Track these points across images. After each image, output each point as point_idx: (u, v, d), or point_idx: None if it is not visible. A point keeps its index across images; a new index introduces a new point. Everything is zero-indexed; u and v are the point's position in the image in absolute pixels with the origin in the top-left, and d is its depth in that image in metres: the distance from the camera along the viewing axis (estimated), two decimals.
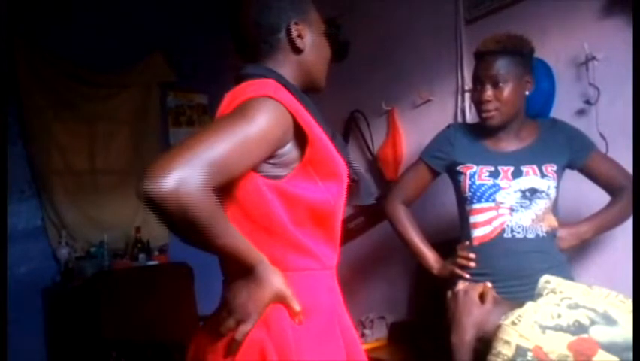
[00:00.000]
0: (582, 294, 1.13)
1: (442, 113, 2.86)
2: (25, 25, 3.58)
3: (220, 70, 1.26)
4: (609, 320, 1.05)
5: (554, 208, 1.92)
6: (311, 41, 1.29)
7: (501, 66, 1.82)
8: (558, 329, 1.05)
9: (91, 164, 3.94)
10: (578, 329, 1.04)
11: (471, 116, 2.70)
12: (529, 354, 1.05)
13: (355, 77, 3.38)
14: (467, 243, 1.94)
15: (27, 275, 3.54)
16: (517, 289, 1.75)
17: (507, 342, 1.08)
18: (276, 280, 1.11)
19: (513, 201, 1.86)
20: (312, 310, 1.15)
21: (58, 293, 3.60)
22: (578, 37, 2.28)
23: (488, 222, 1.89)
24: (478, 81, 1.88)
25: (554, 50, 2.35)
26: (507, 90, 1.83)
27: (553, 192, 1.88)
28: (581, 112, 2.29)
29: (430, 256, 2.07)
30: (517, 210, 1.86)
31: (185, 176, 0.94)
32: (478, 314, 1.31)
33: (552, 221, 1.90)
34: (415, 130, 3.00)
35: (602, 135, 2.16)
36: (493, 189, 1.88)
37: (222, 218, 1.03)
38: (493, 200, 1.88)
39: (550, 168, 1.88)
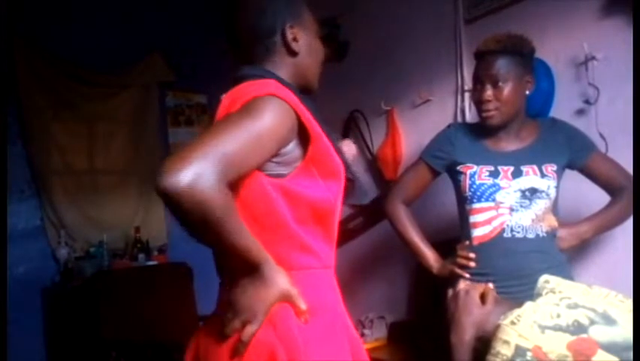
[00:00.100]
0: (581, 294, 1.13)
1: (441, 113, 2.86)
2: (25, 25, 3.58)
3: (219, 70, 1.26)
4: (609, 320, 1.05)
5: (554, 208, 1.92)
6: (306, 44, 1.31)
7: (501, 66, 1.82)
8: (557, 328, 1.05)
9: (90, 164, 3.94)
10: (578, 328, 1.04)
11: (470, 116, 2.70)
12: (529, 354, 1.04)
13: (355, 76, 3.38)
14: (467, 242, 1.94)
15: (26, 275, 3.54)
16: (517, 289, 1.75)
17: (506, 342, 1.08)
18: (281, 280, 1.11)
19: (513, 201, 1.86)
20: (317, 309, 1.15)
21: (57, 293, 3.60)
22: (578, 37, 2.28)
23: (488, 221, 1.89)
24: (478, 81, 1.88)
25: (554, 49, 2.35)
26: (507, 90, 1.83)
27: (553, 192, 1.87)
28: (580, 112, 2.29)
29: (430, 256, 2.07)
30: (517, 210, 1.86)
31: (199, 172, 0.95)
32: (479, 314, 1.31)
33: (552, 221, 1.90)
34: (415, 130, 3.00)
35: (601, 135, 2.16)
36: (493, 188, 1.88)
37: (235, 215, 1.03)
38: (493, 200, 1.88)
39: (551, 168, 1.88)
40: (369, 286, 3.27)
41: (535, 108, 2.14)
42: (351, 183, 1.29)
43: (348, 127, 3.42)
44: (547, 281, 1.19)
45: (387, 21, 3.18)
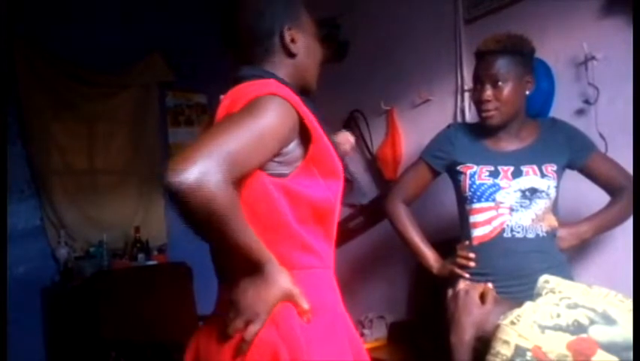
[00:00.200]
0: (581, 294, 1.13)
1: (441, 113, 2.86)
2: (25, 25, 3.58)
3: (219, 70, 1.26)
4: (608, 320, 1.05)
5: (554, 208, 1.92)
6: (304, 45, 1.31)
7: (501, 66, 1.82)
8: (557, 328, 1.05)
9: (90, 164, 3.94)
10: (577, 328, 1.04)
11: (470, 116, 2.71)
12: (529, 354, 1.04)
13: (355, 76, 3.38)
14: (467, 242, 1.94)
15: (26, 275, 3.54)
16: (517, 288, 1.75)
17: (506, 342, 1.08)
18: (283, 279, 1.11)
19: (513, 201, 1.86)
20: (319, 309, 1.15)
21: (57, 293, 3.60)
22: (577, 37, 2.28)
23: (488, 221, 1.89)
24: (478, 81, 1.88)
25: (553, 49, 2.35)
26: (507, 90, 1.83)
27: (553, 192, 1.88)
28: (580, 112, 2.29)
29: (430, 256, 2.07)
30: (517, 210, 1.86)
31: (205, 170, 0.95)
32: (478, 314, 1.30)
33: (552, 221, 1.90)
34: (415, 130, 3.00)
35: (601, 135, 2.16)
36: (493, 188, 1.88)
37: (240, 213, 1.03)
38: (493, 200, 1.88)
39: (551, 168, 1.88)
40: (369, 286, 3.28)
41: (535, 108, 2.14)
42: (349, 183, 1.29)
43: (348, 127, 3.41)
44: (547, 281, 1.19)
45: (387, 21, 3.18)
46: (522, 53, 1.85)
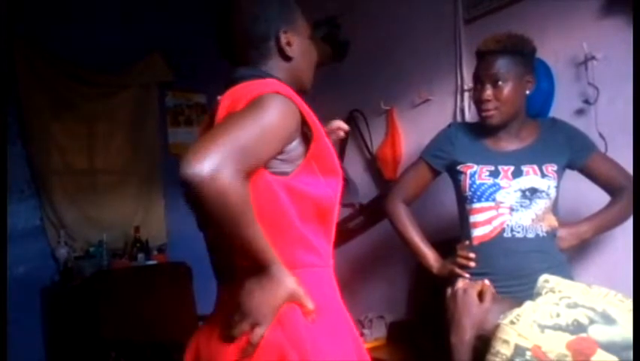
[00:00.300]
0: (581, 293, 1.13)
1: (441, 113, 2.86)
2: (25, 25, 3.58)
3: (218, 70, 1.26)
4: (608, 320, 1.05)
5: (554, 208, 1.92)
6: (299, 48, 1.32)
7: (501, 65, 1.82)
8: (557, 328, 1.05)
9: (90, 164, 3.94)
10: (577, 328, 1.04)
11: (470, 116, 2.71)
12: (528, 353, 1.04)
13: (355, 76, 3.38)
14: (467, 242, 1.94)
15: (26, 275, 3.54)
16: (517, 288, 1.75)
17: (506, 341, 1.08)
18: (289, 280, 1.11)
19: (513, 201, 1.86)
20: (322, 308, 1.16)
21: (57, 293, 3.60)
22: (577, 37, 2.28)
23: (488, 221, 1.89)
24: (479, 80, 1.88)
25: (553, 49, 2.35)
26: (507, 89, 1.83)
27: (553, 192, 1.88)
28: (580, 112, 2.29)
29: (430, 256, 2.06)
30: (517, 210, 1.86)
31: (221, 162, 0.96)
32: (477, 313, 1.30)
33: (552, 221, 1.90)
34: (414, 130, 3.00)
35: (601, 135, 2.16)
36: (494, 188, 1.88)
37: (251, 208, 1.04)
38: (493, 199, 1.88)
39: (551, 168, 1.88)
40: (369, 285, 3.28)
41: (535, 108, 2.14)
42: (345, 181, 1.30)
43: (348, 127, 3.42)
44: (547, 281, 1.19)
45: (387, 21, 3.18)
46: (522, 52, 1.85)
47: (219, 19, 1.32)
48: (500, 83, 1.83)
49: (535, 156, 1.89)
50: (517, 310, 1.11)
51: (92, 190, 3.91)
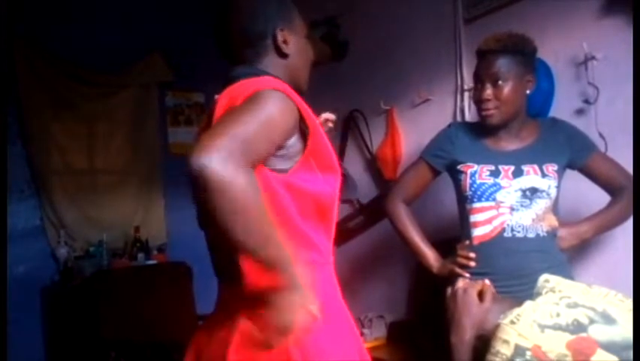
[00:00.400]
0: (581, 293, 1.13)
1: (441, 113, 2.86)
2: (25, 25, 3.58)
3: (218, 70, 1.26)
4: (608, 319, 1.05)
5: (555, 208, 1.91)
6: (296, 46, 1.33)
7: (501, 65, 1.82)
8: (557, 328, 1.05)
9: (90, 163, 3.94)
10: (577, 327, 1.04)
11: (470, 116, 2.71)
12: (528, 353, 1.04)
13: (354, 76, 3.38)
14: (467, 242, 1.94)
15: (26, 275, 3.54)
16: (517, 288, 1.75)
17: (506, 341, 1.08)
18: (304, 281, 1.08)
19: (513, 201, 1.86)
20: (323, 306, 1.15)
21: (57, 293, 3.60)
22: (577, 37, 2.28)
23: (488, 221, 1.89)
24: (479, 80, 1.88)
25: (553, 49, 2.35)
26: (507, 89, 1.83)
27: (553, 192, 1.87)
28: (580, 111, 2.29)
29: (430, 255, 2.06)
30: (518, 210, 1.86)
31: (226, 154, 0.96)
32: (477, 313, 1.30)
33: (552, 221, 1.90)
34: (414, 129, 3.00)
35: (601, 135, 2.16)
36: (494, 188, 1.88)
37: (262, 199, 1.02)
38: (494, 199, 1.88)
39: (551, 168, 1.88)
40: (369, 285, 3.28)
41: (535, 108, 2.14)
42: (344, 178, 1.30)
43: (348, 126, 3.42)
44: (547, 280, 1.19)
45: (387, 21, 3.18)
46: (523, 52, 1.85)
47: (217, 17, 1.33)
48: (500, 82, 1.83)
49: (536, 155, 1.89)
50: (517, 310, 1.11)
51: (92, 190, 3.91)
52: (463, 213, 1.98)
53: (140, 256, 3.72)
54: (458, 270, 1.92)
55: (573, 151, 1.92)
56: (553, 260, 1.86)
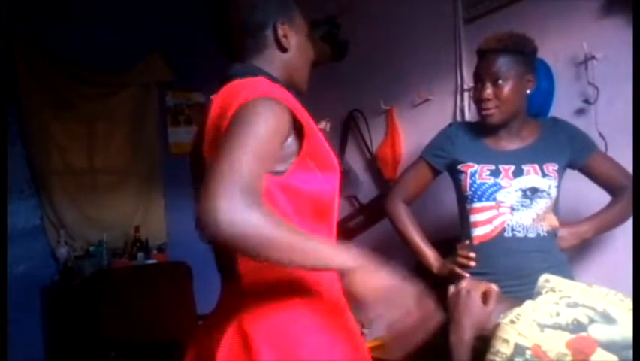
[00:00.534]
0: (581, 293, 1.13)
1: (441, 113, 2.86)
2: (25, 25, 3.58)
3: (218, 69, 1.26)
4: (608, 319, 1.05)
5: (555, 208, 1.91)
6: (296, 43, 1.31)
7: (502, 64, 1.82)
8: (557, 327, 1.05)
9: (90, 163, 3.94)
10: (577, 327, 1.04)
11: (470, 116, 2.70)
12: (528, 353, 1.05)
13: (354, 76, 3.38)
14: (467, 242, 1.94)
15: (26, 274, 3.54)
16: (518, 288, 1.74)
17: (506, 341, 1.08)
18: (353, 255, 1.11)
19: (514, 201, 1.86)
20: (324, 308, 1.16)
21: (57, 292, 3.60)
22: (577, 37, 2.28)
23: (489, 221, 1.89)
24: (479, 79, 1.88)
25: (553, 49, 2.35)
26: (507, 88, 1.82)
27: (554, 192, 1.87)
28: (580, 111, 2.29)
29: (430, 255, 2.06)
30: (518, 210, 1.86)
31: (231, 206, 0.95)
32: (478, 315, 1.30)
33: (553, 220, 1.90)
34: (414, 129, 3.00)
35: (601, 135, 2.16)
36: (494, 188, 1.88)
37: (288, 225, 1.03)
38: (494, 199, 1.88)
39: (552, 168, 1.88)
40: None
41: (535, 108, 2.14)
42: (344, 174, 1.29)
43: (348, 126, 3.42)
44: (548, 280, 1.19)
45: (387, 21, 3.18)
46: (523, 52, 1.85)
47: (217, 11, 1.32)
48: (501, 82, 1.82)
49: (536, 155, 1.89)
50: (517, 310, 1.11)
51: (92, 190, 3.91)
52: (464, 213, 1.98)
53: (140, 255, 3.72)
54: (458, 270, 1.92)
55: (574, 151, 1.92)
56: (554, 260, 1.86)
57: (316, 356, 1.09)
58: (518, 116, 1.90)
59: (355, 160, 3.36)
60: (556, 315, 1.07)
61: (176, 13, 4.09)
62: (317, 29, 3.35)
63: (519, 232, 1.86)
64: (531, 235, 1.86)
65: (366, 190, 3.29)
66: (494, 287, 1.37)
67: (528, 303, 1.12)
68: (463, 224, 1.99)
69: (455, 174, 2.00)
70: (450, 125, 2.11)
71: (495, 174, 1.88)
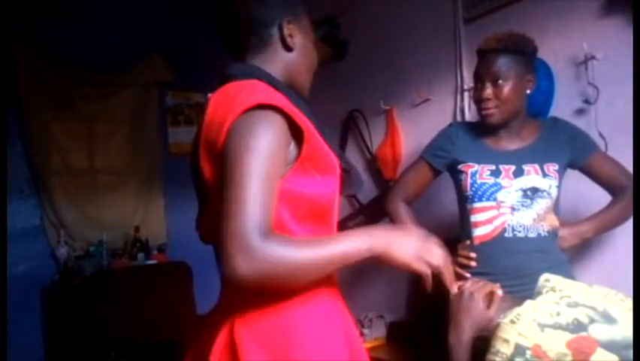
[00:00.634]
0: (582, 293, 1.13)
1: (440, 113, 2.86)
2: (25, 25, 3.58)
3: (218, 69, 1.26)
4: (608, 319, 1.05)
5: (556, 208, 1.91)
6: (301, 43, 1.29)
7: (502, 64, 1.82)
8: (557, 327, 1.05)
9: (90, 163, 3.95)
10: (577, 327, 1.04)
11: (470, 116, 2.71)
12: (528, 352, 1.05)
13: (354, 76, 3.38)
14: (468, 242, 1.94)
15: (26, 274, 3.55)
16: (518, 288, 1.74)
17: (506, 340, 1.08)
18: (378, 236, 1.14)
19: (514, 201, 1.86)
20: (321, 314, 1.15)
21: (57, 292, 3.60)
22: (577, 37, 2.28)
23: (489, 221, 1.89)
24: (479, 79, 1.88)
25: (553, 49, 2.35)
26: (507, 88, 1.82)
27: (554, 192, 1.87)
28: (580, 111, 2.29)
29: None
30: (519, 210, 1.86)
31: (248, 249, 0.97)
32: (479, 316, 1.30)
33: (553, 220, 1.90)
34: (414, 129, 3.00)
35: (601, 135, 2.16)
36: (495, 188, 1.87)
37: (308, 243, 1.07)
38: (494, 199, 1.88)
39: (552, 168, 1.88)
40: (369, 285, 3.28)
41: (535, 108, 2.14)
42: (346, 173, 1.27)
43: (348, 126, 3.42)
44: (548, 280, 1.19)
45: (387, 21, 3.18)
46: (523, 52, 1.85)
47: (223, 6, 1.30)
48: (501, 81, 1.82)
49: (537, 155, 1.89)
50: (517, 310, 1.11)
51: (92, 190, 3.91)
52: (464, 213, 1.98)
53: (140, 256, 3.72)
54: (459, 270, 1.92)
55: (574, 151, 1.92)
56: (554, 260, 1.86)
57: (308, 356, 1.08)
58: (518, 116, 1.90)
59: (355, 160, 3.36)
60: (557, 315, 1.07)
61: (176, 13, 4.10)
62: (317, 30, 3.35)
63: (520, 232, 1.86)
64: (532, 235, 1.86)
65: (366, 190, 3.29)
66: (499, 291, 1.36)
67: (528, 303, 1.12)
68: (463, 224, 1.99)
69: (455, 174, 2.00)
70: (450, 125, 2.11)
71: (495, 174, 1.88)
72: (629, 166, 1.93)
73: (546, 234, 1.87)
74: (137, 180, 4.07)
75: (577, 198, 2.10)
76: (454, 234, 2.07)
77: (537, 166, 1.87)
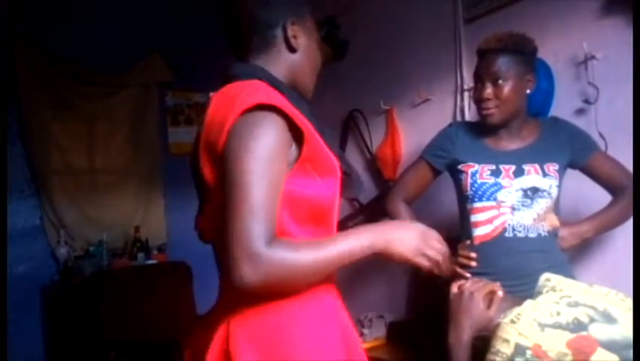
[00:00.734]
0: (582, 292, 1.13)
1: (440, 113, 2.86)
2: (25, 25, 3.58)
3: (218, 69, 1.26)
4: (609, 318, 1.05)
5: (556, 207, 1.91)
6: (305, 45, 1.28)
7: (502, 64, 1.82)
8: (557, 326, 1.05)
9: (90, 163, 3.95)
10: (577, 326, 1.04)
11: (470, 116, 2.70)
12: (529, 352, 1.05)
13: (354, 76, 3.38)
14: (468, 242, 1.94)
15: (26, 274, 3.55)
16: (518, 288, 1.74)
17: (506, 340, 1.08)
18: (377, 232, 1.16)
19: (514, 200, 1.86)
20: (320, 316, 1.15)
21: (57, 292, 3.60)
22: (577, 37, 2.28)
23: (489, 221, 1.89)
24: (479, 79, 1.88)
25: (553, 49, 2.35)
26: (507, 88, 1.82)
27: (555, 192, 1.87)
28: (580, 111, 2.29)
29: None
30: (519, 210, 1.86)
31: (253, 256, 0.99)
32: (479, 317, 1.30)
33: (553, 220, 1.90)
34: (414, 129, 3.00)
35: (601, 135, 2.16)
36: (495, 187, 1.87)
37: (309, 244, 1.08)
38: (495, 199, 1.88)
39: (552, 167, 1.88)
40: (369, 285, 3.28)
41: (535, 108, 2.14)
42: (347, 176, 1.27)
43: (348, 126, 3.42)
44: (548, 279, 1.19)
45: (387, 21, 3.18)
46: (523, 52, 1.85)
47: (227, 5, 1.29)
48: (501, 81, 1.82)
49: (537, 155, 1.89)
50: (517, 309, 1.11)
51: (92, 190, 3.92)
52: (464, 213, 1.97)
53: (140, 255, 3.72)
54: (459, 270, 1.92)
55: (574, 150, 1.91)
56: (555, 260, 1.86)
57: (303, 355, 1.08)
58: (518, 116, 1.90)
59: (355, 160, 3.36)
60: (557, 314, 1.07)
61: (176, 13, 4.10)
62: (318, 30, 3.35)
63: (520, 231, 1.86)
64: (532, 234, 1.86)
65: (367, 190, 3.29)
66: (499, 291, 1.36)
67: (528, 302, 1.12)
68: (463, 224, 1.99)
69: (455, 174, 1.99)
70: (450, 125, 2.11)
71: (496, 173, 1.88)
72: (629, 166, 1.93)
73: (546, 234, 1.87)
74: (137, 180, 4.07)
75: (577, 198, 2.10)
76: (454, 234, 2.07)
77: (537, 166, 1.87)
